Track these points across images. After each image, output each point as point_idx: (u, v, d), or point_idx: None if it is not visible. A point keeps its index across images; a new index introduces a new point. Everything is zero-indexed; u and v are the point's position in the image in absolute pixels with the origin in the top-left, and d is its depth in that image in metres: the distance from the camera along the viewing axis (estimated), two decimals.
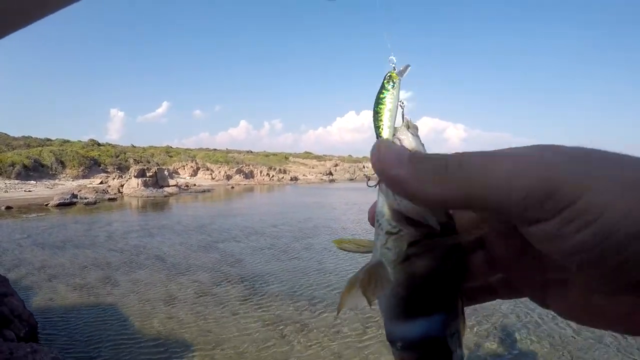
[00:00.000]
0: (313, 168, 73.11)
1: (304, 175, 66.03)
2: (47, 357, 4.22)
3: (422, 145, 0.45)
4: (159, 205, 23.80)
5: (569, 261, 0.32)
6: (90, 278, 8.19)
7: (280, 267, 9.33)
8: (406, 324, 0.45)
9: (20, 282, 7.59)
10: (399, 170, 0.36)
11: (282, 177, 58.95)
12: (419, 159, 0.36)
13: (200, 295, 7.23)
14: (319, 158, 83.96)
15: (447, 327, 0.44)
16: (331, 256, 10.51)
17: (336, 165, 75.80)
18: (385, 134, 0.46)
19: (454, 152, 0.37)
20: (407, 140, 0.43)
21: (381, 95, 0.47)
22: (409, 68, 0.48)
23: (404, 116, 0.48)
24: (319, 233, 14.15)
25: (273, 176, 57.72)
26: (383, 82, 0.48)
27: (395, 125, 0.46)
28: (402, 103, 0.48)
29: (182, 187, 36.85)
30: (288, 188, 45.23)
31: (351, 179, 68.28)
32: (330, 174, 69.49)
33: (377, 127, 0.47)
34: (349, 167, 74.59)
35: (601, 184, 0.30)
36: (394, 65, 0.48)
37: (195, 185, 41.22)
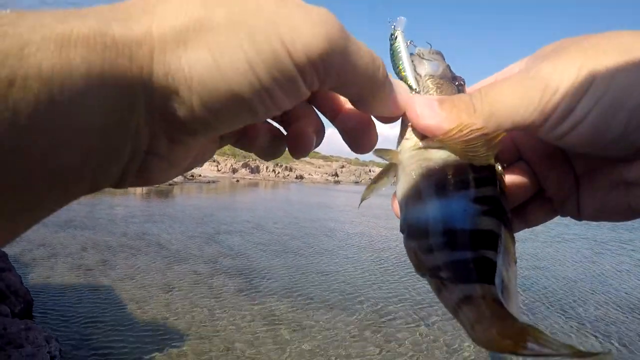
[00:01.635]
0: (319, 168, 73.10)
1: (309, 174, 66.05)
2: (41, 335, 4.21)
3: (440, 60, 0.53)
4: (163, 193, 23.81)
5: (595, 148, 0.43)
6: (89, 259, 8.18)
7: (279, 264, 9.30)
8: (419, 206, 0.47)
9: (19, 258, 7.58)
10: (431, 120, 0.44)
11: (288, 175, 58.97)
12: (452, 106, 0.44)
13: (197, 286, 7.21)
14: (325, 158, 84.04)
15: (473, 219, 0.45)
16: (331, 257, 10.49)
17: (342, 166, 75.82)
18: (413, 83, 0.51)
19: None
20: (429, 68, 0.52)
21: (391, 51, 0.53)
22: (404, 20, 0.53)
23: (415, 47, 0.54)
24: (320, 233, 14.11)
25: (279, 173, 57.75)
26: (390, 41, 0.53)
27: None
28: (409, 42, 0.53)
29: (187, 176, 36.86)
30: (293, 186, 45.23)
31: (356, 182, 68.28)
32: (336, 175, 69.47)
33: (402, 78, 0.52)
34: (355, 170, 74.69)
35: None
36: (392, 24, 0.53)
37: (200, 175, 41.25)
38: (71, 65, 0.26)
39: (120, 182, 0.36)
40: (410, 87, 0.51)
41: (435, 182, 0.46)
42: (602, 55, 0.39)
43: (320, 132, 0.48)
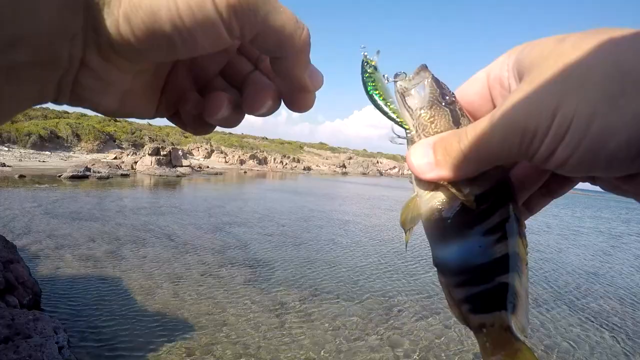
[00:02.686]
0: (327, 159, 73.10)
1: (317, 165, 66.12)
2: (49, 326, 4.22)
3: (424, 79, 0.53)
4: (170, 184, 23.90)
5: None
6: (97, 251, 8.21)
7: (287, 255, 9.32)
8: (440, 247, 0.52)
9: (27, 250, 7.62)
10: (431, 174, 0.48)
11: (295, 166, 59.05)
12: (445, 154, 0.47)
13: (205, 277, 7.22)
14: (333, 150, 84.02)
15: (487, 251, 0.50)
16: (339, 249, 10.50)
17: (350, 158, 75.76)
18: (408, 123, 0.54)
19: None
20: (417, 98, 0.53)
21: (369, 86, 0.54)
22: (379, 52, 0.55)
23: (394, 79, 0.55)
24: (328, 225, 14.13)
25: (286, 164, 57.84)
26: (362, 67, 0.55)
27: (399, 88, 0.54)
28: (386, 77, 0.55)
29: (195, 168, 37.02)
30: (300, 177, 45.31)
31: (364, 174, 68.30)
32: (344, 166, 69.49)
33: (385, 113, 0.55)
34: (363, 162, 74.61)
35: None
36: (365, 52, 0.54)
37: (208, 167, 41.41)
38: None
39: (59, 95, 0.38)
40: (406, 129, 0.54)
41: (449, 223, 0.51)
42: (581, 88, 0.38)
43: (273, 96, 0.49)
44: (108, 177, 23.36)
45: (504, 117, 0.41)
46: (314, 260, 9.01)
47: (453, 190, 0.49)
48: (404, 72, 0.54)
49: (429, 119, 0.52)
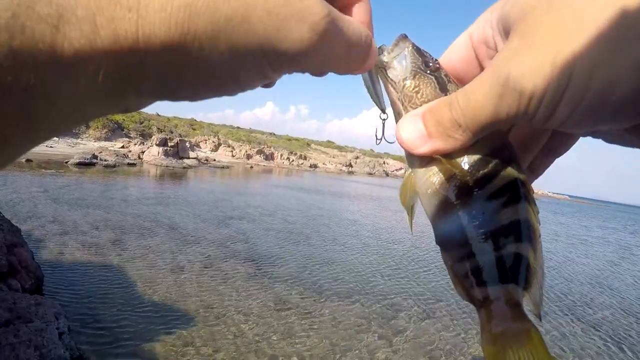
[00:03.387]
0: (334, 157, 73.12)
1: (323, 163, 66.13)
2: (50, 311, 4.22)
3: (405, 49, 0.51)
4: (177, 175, 23.96)
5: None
6: (100, 238, 8.23)
7: (289, 251, 9.32)
8: (443, 220, 0.49)
9: (31, 234, 7.65)
10: (424, 148, 0.45)
11: (302, 163, 59.10)
12: (437, 124, 0.44)
13: (207, 269, 7.23)
14: (340, 148, 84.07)
15: (493, 218, 0.46)
16: (342, 247, 10.50)
17: (357, 157, 75.68)
18: (381, 104, 0.53)
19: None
20: (399, 69, 0.50)
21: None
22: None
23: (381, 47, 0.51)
24: (332, 223, 14.13)
25: (293, 161, 57.88)
26: None
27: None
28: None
29: (202, 160, 37.10)
30: (306, 175, 45.35)
31: (370, 174, 68.25)
32: (350, 165, 69.44)
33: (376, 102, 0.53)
34: (369, 162, 74.54)
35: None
36: None
37: (215, 160, 41.48)
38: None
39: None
40: (382, 109, 0.53)
41: (449, 193, 0.48)
42: (577, 37, 0.35)
43: None
44: (115, 166, 23.41)
45: (495, 79, 0.39)
46: (316, 258, 9.01)
47: (447, 165, 0.47)
48: (382, 45, 0.52)
49: (413, 89, 0.49)
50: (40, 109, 0.27)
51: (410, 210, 0.52)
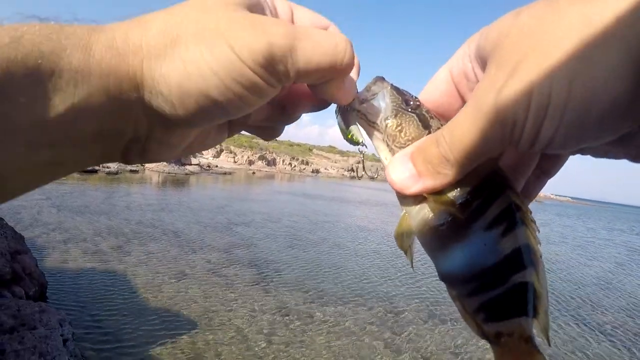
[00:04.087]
0: (335, 162, 73.13)
1: (325, 168, 66.12)
2: (54, 318, 4.22)
3: (382, 89, 0.51)
4: (179, 182, 23.97)
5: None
6: (104, 245, 8.24)
7: (292, 256, 9.30)
8: (444, 258, 0.49)
9: (35, 241, 7.65)
10: (415, 188, 0.47)
11: (304, 169, 59.08)
12: (425, 163, 0.45)
13: (210, 275, 7.22)
14: (342, 153, 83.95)
15: (495, 248, 0.46)
16: (345, 252, 10.48)
17: (359, 162, 75.39)
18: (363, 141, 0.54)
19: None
20: (378, 109, 0.51)
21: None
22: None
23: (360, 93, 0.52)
24: (335, 228, 14.11)
25: (295, 166, 57.88)
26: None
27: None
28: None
29: (204, 167, 37.10)
30: (309, 180, 45.34)
31: (372, 178, 67.77)
32: (352, 170, 69.33)
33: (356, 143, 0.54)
34: (371, 166, 73.91)
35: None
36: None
37: (217, 166, 41.53)
38: (90, 66, 0.37)
39: (128, 157, 0.46)
40: (361, 144, 0.54)
41: (445, 229, 0.48)
42: (551, 59, 0.35)
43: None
44: (117, 173, 23.43)
45: (477, 111, 0.40)
46: (319, 263, 8.99)
47: (440, 201, 0.47)
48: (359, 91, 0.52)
49: (396, 127, 0.50)
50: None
51: (409, 251, 0.53)
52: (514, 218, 0.46)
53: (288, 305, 6.30)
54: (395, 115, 0.50)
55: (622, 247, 19.90)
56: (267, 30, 0.38)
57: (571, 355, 5.99)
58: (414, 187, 0.47)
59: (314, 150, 79.56)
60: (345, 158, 78.59)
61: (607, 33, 0.33)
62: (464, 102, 0.49)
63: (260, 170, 48.63)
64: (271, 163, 55.37)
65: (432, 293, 7.75)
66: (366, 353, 5.19)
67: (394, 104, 0.50)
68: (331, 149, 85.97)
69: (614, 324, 7.67)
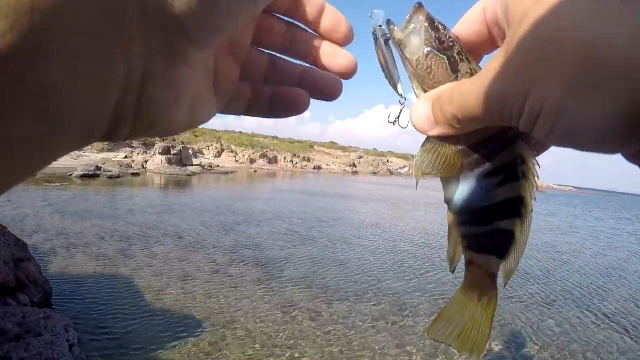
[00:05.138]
0: (337, 158, 73.12)
1: (327, 165, 66.13)
2: (60, 324, 4.22)
3: (419, 24, 0.50)
4: (181, 183, 23.98)
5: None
6: (107, 249, 8.23)
7: (297, 253, 9.30)
8: (449, 187, 0.54)
9: (38, 248, 7.65)
10: (432, 132, 0.49)
11: (306, 165, 59.10)
12: (441, 113, 0.47)
13: (215, 275, 7.22)
14: (343, 149, 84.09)
15: (489, 194, 0.51)
16: (349, 248, 10.47)
17: (360, 157, 75.72)
18: (400, 89, 0.53)
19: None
20: (413, 48, 0.50)
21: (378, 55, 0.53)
22: (382, 13, 0.52)
23: (392, 29, 0.52)
24: (338, 224, 14.11)
25: (297, 163, 57.90)
26: (374, 41, 0.53)
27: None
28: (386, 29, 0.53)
29: (206, 167, 37.10)
30: (311, 176, 45.37)
31: (374, 173, 68.19)
32: (354, 165, 69.44)
33: (391, 79, 0.53)
34: (373, 161, 74.61)
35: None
36: (371, 20, 0.53)
37: (218, 166, 41.51)
38: None
39: (117, 126, 0.30)
40: (400, 94, 0.54)
41: (456, 167, 0.52)
42: (549, 77, 0.34)
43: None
44: (119, 176, 23.43)
45: (481, 92, 0.41)
46: (323, 259, 8.99)
47: (453, 146, 0.50)
48: (390, 21, 0.52)
49: (426, 69, 0.50)
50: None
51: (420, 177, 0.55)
52: (515, 171, 0.50)
53: (295, 303, 6.29)
54: (427, 57, 0.50)
55: (633, 237, 19.86)
56: None
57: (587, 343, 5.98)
58: (430, 131, 0.49)
59: (315, 147, 79.51)
60: (346, 154, 78.67)
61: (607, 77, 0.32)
62: (498, 45, 0.49)
63: (262, 169, 48.63)
64: (273, 161, 55.38)
65: (440, 288, 7.74)
66: (375, 348, 5.18)
67: (427, 42, 0.50)
68: (332, 145, 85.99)
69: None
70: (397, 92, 0.53)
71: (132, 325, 5.13)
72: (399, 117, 0.54)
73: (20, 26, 0.20)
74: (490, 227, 0.52)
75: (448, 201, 0.54)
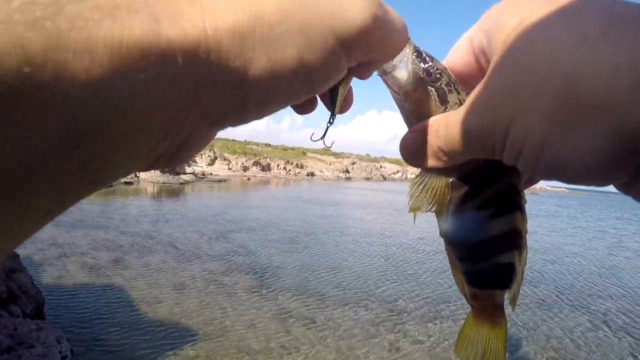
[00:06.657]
0: (330, 165, 73.19)
1: (320, 171, 66.23)
2: (52, 335, 4.19)
3: (405, 55, 0.48)
4: (174, 192, 23.94)
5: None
6: (100, 259, 8.19)
7: (291, 261, 9.28)
8: (443, 220, 0.53)
9: (30, 258, 7.59)
10: (419, 164, 0.49)
11: (299, 172, 59.21)
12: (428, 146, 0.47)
13: (209, 284, 7.19)
14: (336, 155, 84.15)
15: (484, 228, 0.50)
16: (343, 254, 10.47)
17: (353, 163, 75.79)
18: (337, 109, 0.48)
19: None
20: (400, 79, 0.49)
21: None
22: None
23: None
24: (332, 230, 14.11)
25: (290, 170, 57.99)
26: None
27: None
28: None
29: (199, 175, 37.08)
30: (304, 183, 45.39)
31: (367, 179, 68.32)
32: (347, 171, 69.56)
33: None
34: (366, 166, 74.68)
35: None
36: None
37: (211, 174, 41.51)
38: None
39: (154, 165, 0.32)
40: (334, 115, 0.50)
41: (448, 200, 0.51)
42: (529, 110, 0.34)
43: None
44: (111, 185, 23.33)
45: (463, 125, 0.41)
46: (318, 266, 8.97)
47: (443, 178, 0.50)
48: None
49: (414, 102, 0.50)
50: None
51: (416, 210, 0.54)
52: (508, 202, 0.49)
53: (289, 311, 6.27)
54: (415, 89, 0.50)
55: (637, 236, 19.98)
56: (368, 3, 0.33)
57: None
58: (418, 164, 0.49)
59: (308, 154, 79.64)
60: (339, 160, 78.76)
61: (585, 109, 0.32)
62: (483, 75, 0.47)
63: (255, 176, 48.66)
64: (266, 168, 55.42)
65: (434, 293, 7.74)
66: (370, 354, 5.17)
67: (415, 76, 0.49)
68: (325, 151, 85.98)
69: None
70: (333, 112, 0.49)
71: (126, 337, 5.09)
72: (324, 137, 0.52)
73: None
74: (489, 262, 0.52)
75: (444, 235, 0.53)
